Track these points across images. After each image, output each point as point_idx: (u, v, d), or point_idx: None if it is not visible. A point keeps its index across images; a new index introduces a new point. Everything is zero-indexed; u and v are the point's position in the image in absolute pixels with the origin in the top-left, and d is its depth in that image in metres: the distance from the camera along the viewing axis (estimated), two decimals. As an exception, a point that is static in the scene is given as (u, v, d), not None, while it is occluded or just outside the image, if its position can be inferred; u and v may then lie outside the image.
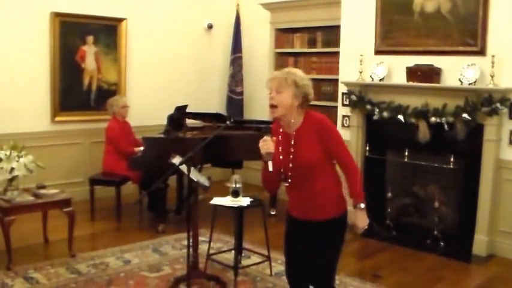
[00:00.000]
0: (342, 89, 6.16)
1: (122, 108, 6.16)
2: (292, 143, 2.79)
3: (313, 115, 2.85)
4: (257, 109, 7.75)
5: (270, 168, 2.69)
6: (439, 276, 4.63)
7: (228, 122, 4.31)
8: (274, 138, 2.76)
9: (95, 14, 6.53)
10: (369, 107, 5.67)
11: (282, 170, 2.82)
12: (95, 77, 6.68)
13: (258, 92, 7.76)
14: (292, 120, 2.80)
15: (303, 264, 2.93)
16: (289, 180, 2.82)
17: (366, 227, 2.87)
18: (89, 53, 6.59)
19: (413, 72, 5.41)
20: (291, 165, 2.77)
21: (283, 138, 2.84)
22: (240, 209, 4.35)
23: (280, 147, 2.81)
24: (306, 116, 2.83)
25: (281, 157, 2.80)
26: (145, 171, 5.70)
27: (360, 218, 2.84)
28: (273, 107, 2.78)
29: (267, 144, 2.69)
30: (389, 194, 5.75)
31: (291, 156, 2.76)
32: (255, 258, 4.74)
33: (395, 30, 5.66)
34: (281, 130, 2.83)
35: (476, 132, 5.08)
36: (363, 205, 2.82)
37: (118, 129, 6.05)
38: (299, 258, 2.94)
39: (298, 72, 2.85)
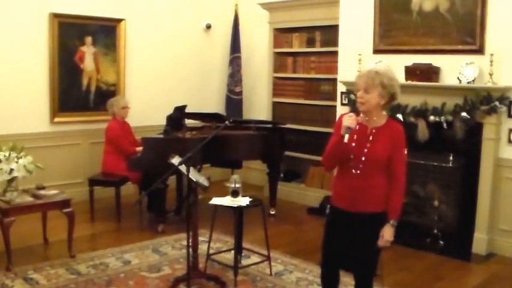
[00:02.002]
0: (340, 88, 6.17)
1: (122, 109, 6.16)
2: (371, 138, 3.00)
3: (395, 123, 3.11)
4: (256, 109, 7.76)
5: (345, 140, 2.89)
6: (438, 275, 4.63)
7: (227, 122, 4.30)
8: (359, 117, 2.97)
9: (93, 15, 6.53)
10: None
11: (351, 157, 3.00)
12: (94, 77, 6.68)
13: (257, 91, 7.78)
14: (375, 118, 3.02)
15: (344, 254, 3.10)
16: (358, 171, 2.99)
17: (388, 244, 3.06)
18: (88, 54, 6.59)
19: (412, 71, 5.41)
20: (363, 158, 2.98)
21: (359, 130, 3.01)
22: (239, 209, 4.34)
23: (355, 136, 2.99)
24: (389, 121, 3.07)
25: (353, 144, 2.98)
26: (144, 171, 5.69)
27: (388, 232, 3.04)
28: (361, 103, 2.98)
29: (351, 119, 2.90)
30: (389, 193, 5.75)
31: (366, 150, 2.97)
32: (255, 258, 4.74)
33: (393, 29, 5.67)
34: (359, 122, 3.02)
35: (475, 131, 5.08)
36: (395, 223, 3.04)
37: (118, 129, 6.05)
38: (342, 248, 3.09)
39: (387, 73, 3.00)
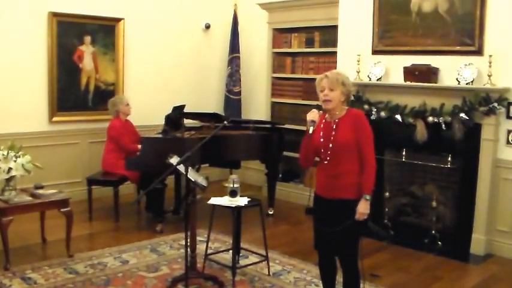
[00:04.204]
0: (339, 88, 6.16)
1: (126, 106, 6.17)
2: (334, 127, 3.36)
3: (354, 110, 3.47)
4: (255, 109, 7.76)
5: (310, 132, 3.29)
6: (437, 276, 4.63)
7: (225, 122, 4.30)
8: (321, 112, 3.38)
9: (92, 14, 6.52)
10: (366, 106, 5.68)
11: (321, 150, 3.36)
12: (93, 77, 6.68)
13: (255, 92, 7.78)
14: (337, 112, 3.39)
15: (327, 238, 3.40)
16: (328, 158, 3.35)
17: (365, 216, 3.33)
18: (87, 53, 6.59)
19: (410, 72, 5.41)
20: (331, 145, 3.33)
21: (325, 126, 3.40)
22: (237, 209, 4.35)
23: (321, 132, 3.38)
24: (349, 110, 3.42)
25: (321, 140, 3.36)
26: (143, 171, 5.69)
27: (362, 205, 3.31)
28: (326, 101, 3.34)
29: (313, 114, 3.33)
30: (387, 194, 5.76)
31: (332, 138, 3.33)
32: (253, 258, 4.75)
33: (392, 30, 5.67)
34: (324, 120, 3.41)
35: (473, 132, 5.09)
36: (368, 197, 3.32)
37: (120, 127, 6.05)
38: (324, 232, 3.41)
39: (345, 74, 3.43)
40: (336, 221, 3.32)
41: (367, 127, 3.37)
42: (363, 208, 3.30)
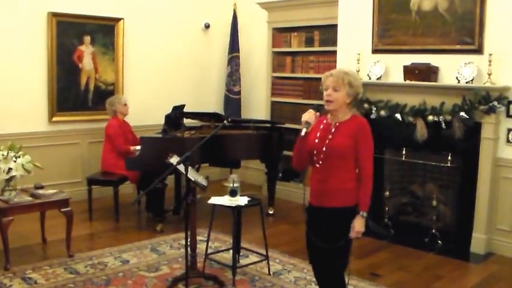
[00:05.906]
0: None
1: (124, 106, 6.17)
2: (333, 131, 3.12)
3: (359, 117, 3.23)
4: (255, 108, 7.75)
5: (302, 133, 3.06)
6: (437, 275, 4.63)
7: (225, 122, 4.30)
8: (318, 113, 3.12)
9: (92, 14, 6.52)
10: (366, 106, 5.68)
11: (314, 152, 3.12)
12: (92, 77, 6.68)
13: (255, 91, 7.78)
14: (340, 115, 3.15)
15: (319, 248, 3.16)
16: (320, 162, 3.11)
17: (360, 235, 3.12)
18: (86, 53, 6.58)
19: (410, 71, 5.41)
20: (324, 148, 3.09)
21: (324, 127, 3.17)
22: (237, 209, 4.34)
23: (318, 133, 3.15)
24: (353, 116, 3.18)
25: (316, 141, 3.13)
26: (142, 171, 5.69)
27: (358, 223, 3.10)
28: (328, 101, 3.12)
29: (309, 115, 3.07)
30: (387, 193, 5.76)
31: (327, 141, 3.10)
32: (253, 258, 4.75)
33: (392, 29, 5.67)
34: (325, 121, 3.19)
35: (473, 131, 5.09)
36: (365, 214, 3.10)
37: (117, 127, 6.06)
38: (316, 246, 3.17)
39: (354, 74, 3.19)
40: (327, 234, 3.11)
41: (370, 139, 3.13)
42: (359, 226, 3.09)
